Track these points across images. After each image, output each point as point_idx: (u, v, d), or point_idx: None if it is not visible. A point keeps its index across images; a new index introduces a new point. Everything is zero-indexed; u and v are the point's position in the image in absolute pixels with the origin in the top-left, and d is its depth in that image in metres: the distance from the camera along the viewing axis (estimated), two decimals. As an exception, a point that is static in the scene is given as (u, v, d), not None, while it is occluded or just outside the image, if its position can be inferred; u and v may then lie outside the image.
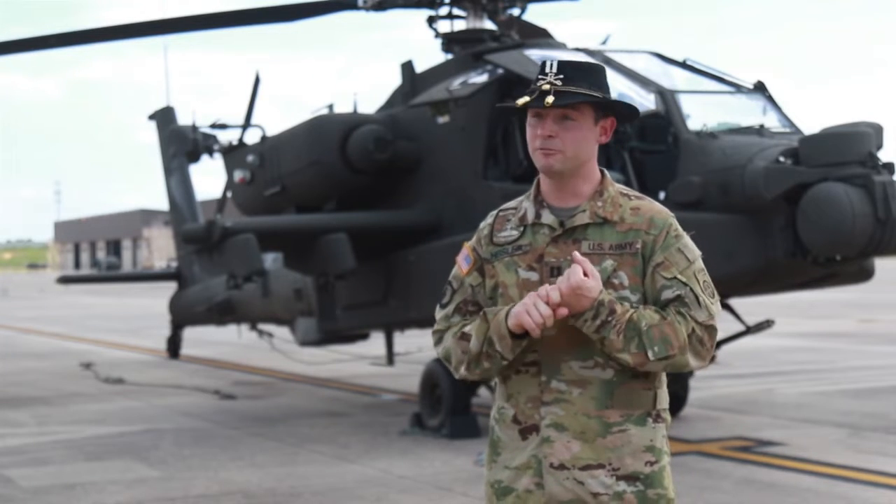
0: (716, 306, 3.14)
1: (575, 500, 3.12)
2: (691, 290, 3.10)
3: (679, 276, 3.11)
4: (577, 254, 3.08)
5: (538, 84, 3.13)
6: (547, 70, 3.14)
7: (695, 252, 3.18)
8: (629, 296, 3.11)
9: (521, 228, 3.22)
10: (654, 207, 3.20)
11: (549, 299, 3.02)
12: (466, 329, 3.20)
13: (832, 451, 9.28)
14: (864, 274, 9.48)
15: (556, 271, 3.13)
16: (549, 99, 3.08)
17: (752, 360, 16.16)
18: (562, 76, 3.11)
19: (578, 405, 3.10)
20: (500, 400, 3.24)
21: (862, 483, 8.10)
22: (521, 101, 3.12)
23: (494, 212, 3.33)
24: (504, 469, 3.20)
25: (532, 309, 3.03)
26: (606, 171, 3.26)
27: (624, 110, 3.29)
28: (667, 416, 3.20)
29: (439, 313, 3.32)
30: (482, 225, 3.33)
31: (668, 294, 3.10)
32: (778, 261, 8.69)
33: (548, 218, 3.19)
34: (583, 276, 3.03)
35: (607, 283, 3.10)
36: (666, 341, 3.05)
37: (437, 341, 3.31)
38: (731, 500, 7.62)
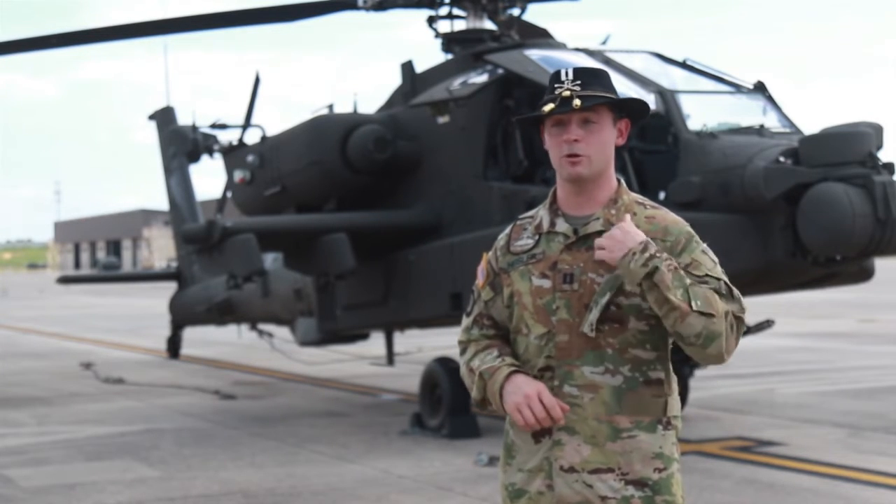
0: (744, 302, 3.18)
1: (583, 503, 3.15)
2: (725, 282, 3.14)
3: (710, 273, 3.15)
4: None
5: (557, 92, 3.17)
6: (563, 78, 3.19)
7: (714, 258, 3.22)
8: (640, 303, 3.13)
9: (536, 237, 3.26)
10: (669, 217, 3.24)
11: (543, 401, 3.11)
12: (474, 364, 3.28)
13: (832, 451, 9.28)
14: (864, 274, 9.48)
15: (568, 278, 3.17)
16: (577, 102, 3.13)
17: (752, 360, 16.14)
18: (579, 82, 3.17)
19: (589, 410, 3.14)
20: None
21: (862, 483, 8.11)
22: (547, 108, 3.16)
23: (513, 222, 3.37)
24: (518, 472, 3.24)
25: (526, 410, 3.11)
26: (622, 180, 3.30)
27: (637, 108, 3.33)
28: (678, 423, 3.23)
29: (463, 322, 3.41)
30: (500, 236, 3.37)
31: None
32: (778, 261, 8.69)
33: (562, 226, 3.22)
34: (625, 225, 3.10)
35: (619, 290, 3.13)
36: (708, 301, 3.08)
37: (461, 352, 3.40)
38: (731, 500, 7.62)
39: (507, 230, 3.36)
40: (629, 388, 3.14)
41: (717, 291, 3.11)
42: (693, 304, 3.05)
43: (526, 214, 3.36)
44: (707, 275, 3.13)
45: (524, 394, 3.11)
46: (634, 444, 3.14)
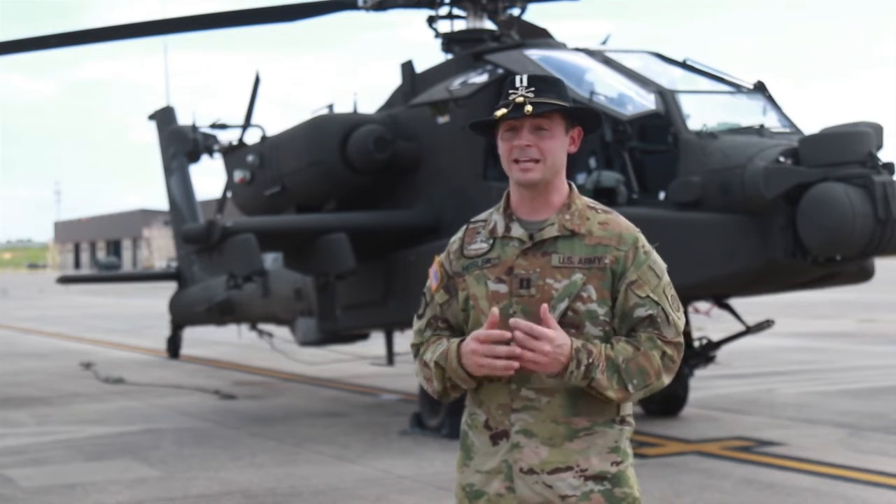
0: (681, 321, 3.24)
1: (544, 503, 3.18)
2: (662, 308, 3.20)
3: (651, 295, 3.19)
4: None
5: (511, 98, 3.20)
6: (518, 84, 3.22)
7: (662, 266, 3.26)
8: (596, 309, 3.16)
9: (491, 241, 3.27)
10: (621, 223, 3.26)
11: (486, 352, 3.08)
12: (427, 358, 3.29)
13: (832, 451, 9.28)
14: (864, 274, 9.48)
15: (525, 283, 3.19)
16: (529, 108, 3.16)
17: (752, 360, 16.16)
18: (533, 89, 3.20)
19: (547, 412, 3.17)
20: (471, 406, 3.31)
21: (862, 483, 8.10)
22: (500, 113, 3.20)
23: (465, 225, 3.38)
24: (475, 473, 3.26)
25: (492, 362, 3.08)
26: (574, 185, 3.33)
27: (590, 118, 3.36)
28: (631, 420, 3.28)
29: (415, 324, 3.40)
30: (452, 239, 3.38)
31: (640, 312, 3.18)
32: (778, 261, 8.69)
33: (517, 231, 3.24)
34: (551, 332, 3.08)
35: (576, 296, 3.15)
36: (643, 372, 3.15)
37: (415, 355, 3.39)
38: (731, 500, 7.62)
39: (460, 233, 3.36)
40: (584, 392, 3.15)
41: (653, 318, 3.16)
42: (629, 387, 3.14)
43: (478, 217, 3.37)
44: (648, 296, 3.18)
45: (471, 350, 3.12)
46: (591, 440, 3.17)
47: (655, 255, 3.25)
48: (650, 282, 3.19)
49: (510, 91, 3.21)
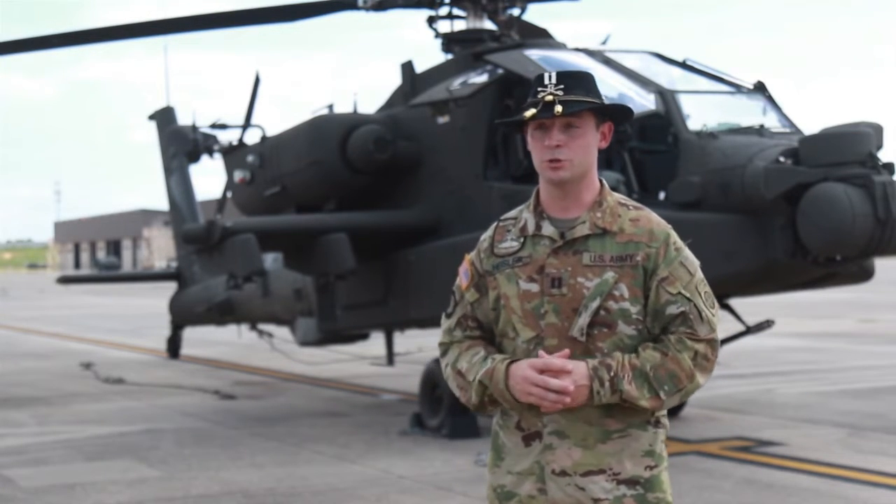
0: (716, 317, 3.19)
1: None
2: (695, 305, 3.15)
3: (683, 292, 3.14)
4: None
5: (540, 96, 3.15)
6: (546, 82, 3.17)
7: (694, 263, 3.21)
8: (629, 307, 3.13)
9: (522, 240, 3.23)
10: (652, 219, 3.22)
11: (561, 388, 3.04)
12: (461, 367, 3.24)
13: (832, 451, 9.28)
14: (864, 274, 9.48)
15: (556, 282, 3.15)
16: (559, 108, 3.11)
17: (752, 360, 16.16)
18: (562, 86, 3.15)
19: (580, 414, 3.12)
20: None
21: (862, 483, 8.11)
22: (529, 113, 3.15)
23: (495, 223, 3.34)
24: (507, 474, 3.22)
25: (546, 395, 3.05)
26: (605, 181, 3.28)
27: (621, 114, 3.31)
28: (666, 421, 3.23)
29: (444, 323, 3.36)
30: (483, 237, 3.33)
31: (672, 310, 3.13)
32: (778, 261, 8.69)
33: (548, 229, 3.20)
34: (569, 364, 3.06)
35: (608, 295, 3.12)
36: (673, 377, 3.11)
37: (442, 354, 3.35)
38: (731, 500, 7.62)
39: (490, 231, 3.32)
40: None
41: (685, 316, 3.13)
42: (661, 393, 3.10)
43: (508, 215, 3.32)
44: (680, 293, 3.14)
45: (522, 376, 3.07)
46: (625, 442, 3.13)
47: (687, 252, 3.21)
48: (682, 278, 3.15)
49: (539, 88, 3.16)
